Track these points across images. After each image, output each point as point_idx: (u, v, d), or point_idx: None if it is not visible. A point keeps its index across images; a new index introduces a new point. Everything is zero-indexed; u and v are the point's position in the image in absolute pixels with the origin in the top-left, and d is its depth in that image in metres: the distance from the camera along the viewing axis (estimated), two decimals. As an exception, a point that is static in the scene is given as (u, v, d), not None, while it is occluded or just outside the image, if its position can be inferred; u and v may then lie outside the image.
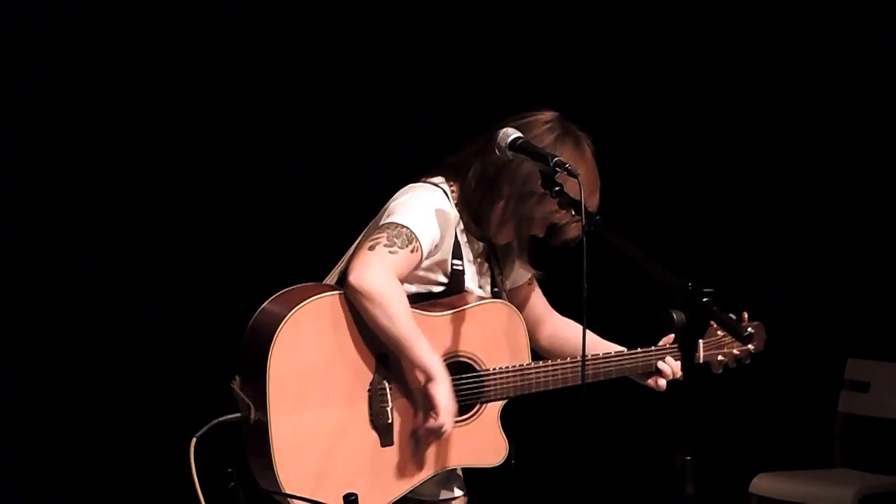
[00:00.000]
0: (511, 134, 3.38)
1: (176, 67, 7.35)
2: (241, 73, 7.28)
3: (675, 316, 2.98)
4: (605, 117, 6.62)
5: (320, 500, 3.23)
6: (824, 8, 6.31)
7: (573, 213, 3.25)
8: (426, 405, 3.39)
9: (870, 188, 6.38)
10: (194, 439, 3.21)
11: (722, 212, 6.60)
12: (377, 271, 3.33)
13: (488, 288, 3.60)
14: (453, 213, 3.49)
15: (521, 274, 3.70)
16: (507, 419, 3.55)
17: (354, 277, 3.33)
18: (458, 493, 3.60)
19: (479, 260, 3.58)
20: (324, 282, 3.54)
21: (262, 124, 7.32)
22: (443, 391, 3.36)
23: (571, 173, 3.24)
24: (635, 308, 3.75)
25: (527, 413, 3.76)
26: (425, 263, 3.45)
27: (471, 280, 3.54)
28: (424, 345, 3.36)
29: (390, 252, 3.36)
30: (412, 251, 3.39)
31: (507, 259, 3.66)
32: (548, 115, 3.51)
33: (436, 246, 3.45)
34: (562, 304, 3.79)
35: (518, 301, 3.69)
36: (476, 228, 3.53)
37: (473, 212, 3.50)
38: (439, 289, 3.50)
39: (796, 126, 6.48)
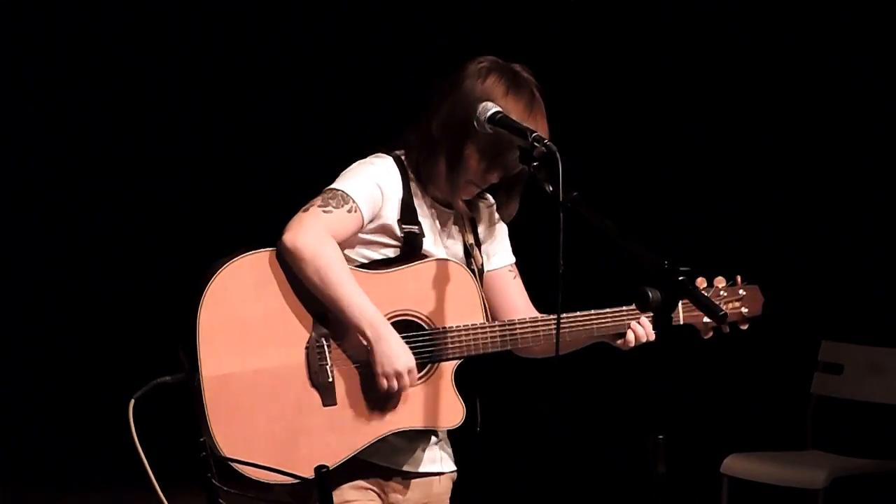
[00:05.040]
0: (490, 108, 3.35)
1: (174, 63, 7.37)
2: (236, 69, 7.31)
3: (649, 294, 2.97)
4: (599, 104, 6.64)
5: (256, 461, 3.18)
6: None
7: (550, 188, 3.21)
8: (371, 364, 3.31)
9: (844, 173, 6.39)
10: (133, 400, 3.14)
11: (699, 194, 6.61)
12: (309, 230, 3.29)
13: (460, 255, 3.52)
14: (402, 178, 3.44)
15: (502, 254, 3.62)
16: (474, 387, 3.45)
17: (287, 237, 3.30)
18: (445, 468, 3.54)
19: (446, 228, 3.51)
20: None
21: (259, 123, 7.35)
22: (392, 347, 3.29)
23: (549, 149, 3.21)
24: (612, 286, 3.72)
25: (499, 385, 3.71)
26: (371, 226, 3.40)
27: (432, 246, 3.46)
28: (362, 303, 3.30)
29: (324, 212, 3.33)
30: (349, 211, 3.35)
31: (488, 235, 3.60)
32: (474, 66, 3.43)
33: (379, 208, 3.40)
34: (537, 281, 3.75)
35: (495, 287, 3.58)
36: (434, 191, 3.46)
37: (421, 173, 3.45)
38: (394, 253, 3.43)
39: (775, 111, 6.49)
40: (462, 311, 3.42)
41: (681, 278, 2.96)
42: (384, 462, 3.43)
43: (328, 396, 3.32)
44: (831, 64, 6.36)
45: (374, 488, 3.43)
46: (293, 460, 3.26)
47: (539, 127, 3.37)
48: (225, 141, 7.41)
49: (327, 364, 3.33)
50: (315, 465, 2.95)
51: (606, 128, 6.69)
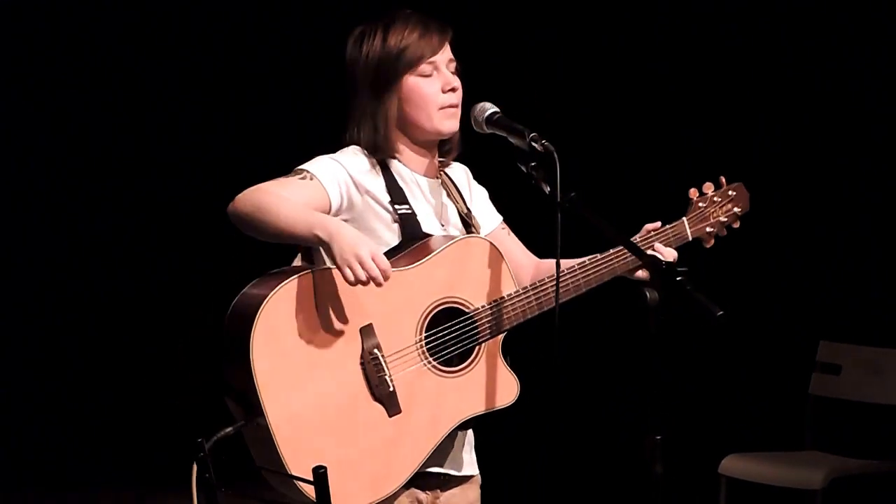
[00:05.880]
0: (488, 109, 3.37)
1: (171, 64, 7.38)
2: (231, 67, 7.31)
3: (647, 294, 2.98)
4: (592, 97, 6.64)
5: (346, 494, 3.15)
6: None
7: (548, 189, 3.21)
8: (334, 263, 3.22)
9: (843, 173, 6.40)
10: (195, 463, 3.08)
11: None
12: (247, 190, 3.29)
13: (460, 225, 3.51)
14: (376, 160, 3.42)
15: (489, 216, 3.61)
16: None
17: (229, 206, 3.29)
18: (475, 472, 3.54)
19: (438, 202, 3.49)
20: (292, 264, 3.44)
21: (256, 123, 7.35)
22: (348, 236, 3.18)
23: (547, 149, 3.20)
24: (611, 285, 3.72)
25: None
26: (367, 203, 3.37)
27: (428, 222, 3.44)
28: (305, 212, 3.24)
29: (268, 182, 3.32)
30: (301, 178, 3.33)
31: (473, 201, 3.58)
32: (349, 42, 3.53)
33: (346, 181, 3.36)
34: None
35: None
36: (412, 152, 3.45)
37: (388, 147, 3.43)
38: (395, 239, 3.39)
39: (773, 111, 6.49)
40: (496, 286, 3.39)
41: (678, 278, 2.96)
42: (434, 468, 3.41)
43: (392, 406, 3.29)
44: (830, 64, 6.37)
45: (428, 497, 3.42)
46: (377, 481, 3.25)
47: (432, 39, 3.41)
48: (225, 141, 7.41)
49: (386, 374, 3.28)
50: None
51: (604, 128, 6.69)
